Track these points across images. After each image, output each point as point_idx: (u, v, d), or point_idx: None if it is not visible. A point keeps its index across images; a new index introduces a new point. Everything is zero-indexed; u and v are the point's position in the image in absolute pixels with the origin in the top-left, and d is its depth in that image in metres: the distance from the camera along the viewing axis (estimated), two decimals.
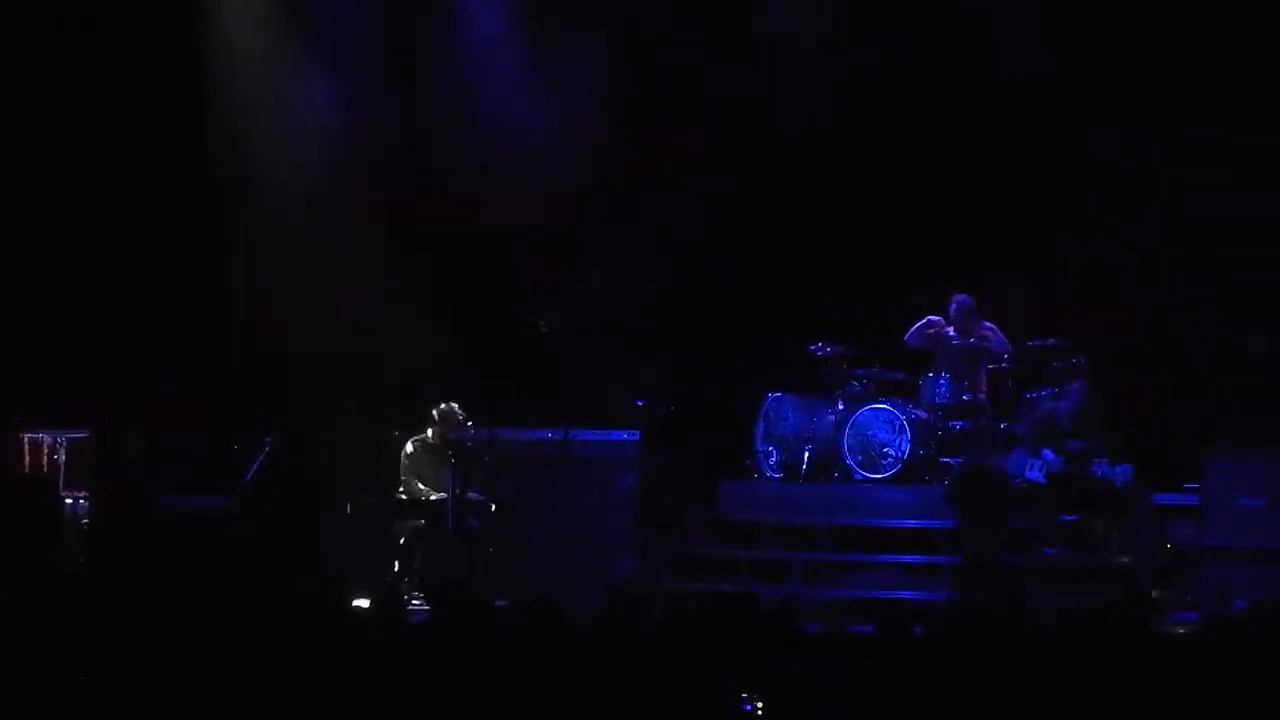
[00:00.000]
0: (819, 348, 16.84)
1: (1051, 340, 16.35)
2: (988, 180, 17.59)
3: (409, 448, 16.26)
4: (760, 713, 8.23)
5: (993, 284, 16.95)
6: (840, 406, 16.71)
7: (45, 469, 15.76)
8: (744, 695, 8.27)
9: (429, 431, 16.20)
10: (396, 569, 15.83)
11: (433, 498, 16.02)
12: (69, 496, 15.64)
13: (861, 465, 16.31)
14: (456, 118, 18.32)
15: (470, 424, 16.16)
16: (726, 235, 18.18)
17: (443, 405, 16.18)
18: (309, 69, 18.26)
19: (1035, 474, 15.25)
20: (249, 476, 15.52)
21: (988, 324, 16.83)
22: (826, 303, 17.61)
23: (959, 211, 17.62)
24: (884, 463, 16.36)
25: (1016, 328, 16.71)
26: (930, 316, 16.86)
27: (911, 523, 15.91)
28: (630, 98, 18.19)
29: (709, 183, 18.05)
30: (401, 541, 15.96)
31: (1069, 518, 15.41)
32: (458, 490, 15.80)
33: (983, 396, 16.68)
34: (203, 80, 17.96)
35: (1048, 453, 15.47)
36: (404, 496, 16.16)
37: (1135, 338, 16.98)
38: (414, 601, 14.04)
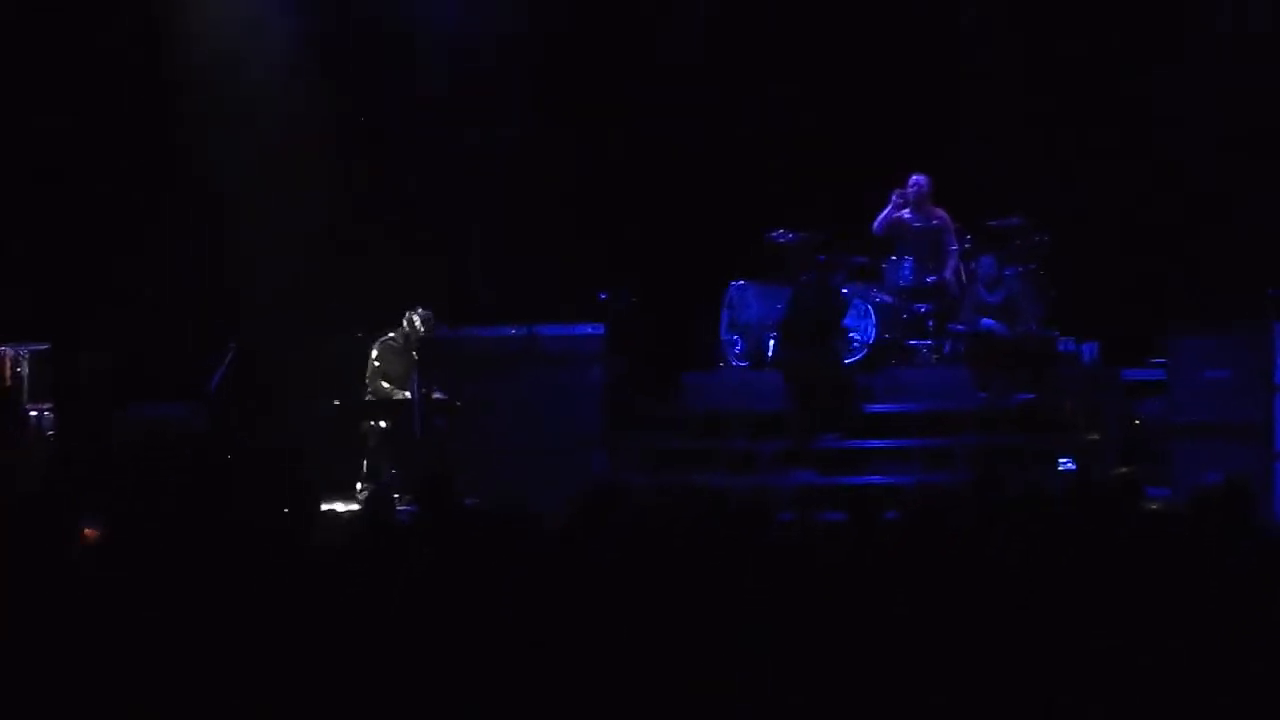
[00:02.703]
0: (780, 234, 16.77)
1: (1014, 220, 16.35)
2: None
3: (376, 349, 16.20)
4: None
5: (956, 161, 16.90)
6: None
7: (9, 382, 15.60)
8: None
9: (395, 333, 16.15)
10: (365, 470, 15.81)
11: (399, 397, 15.98)
12: (33, 409, 15.51)
13: None
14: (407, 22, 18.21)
15: (436, 324, 16.11)
16: (689, 126, 18.08)
17: (418, 311, 16.11)
18: None
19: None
20: (215, 384, 15.43)
21: (940, 210, 16.81)
22: (788, 188, 17.49)
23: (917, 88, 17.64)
24: (850, 348, 16.36)
25: (980, 205, 16.70)
26: (894, 196, 16.82)
27: (880, 407, 15.92)
28: None
29: (667, 74, 17.94)
30: (370, 443, 15.93)
31: (1025, 396, 15.46)
32: (423, 390, 15.74)
33: (948, 275, 16.67)
34: None
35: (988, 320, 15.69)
36: (371, 398, 16.13)
37: (1098, 215, 16.98)
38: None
